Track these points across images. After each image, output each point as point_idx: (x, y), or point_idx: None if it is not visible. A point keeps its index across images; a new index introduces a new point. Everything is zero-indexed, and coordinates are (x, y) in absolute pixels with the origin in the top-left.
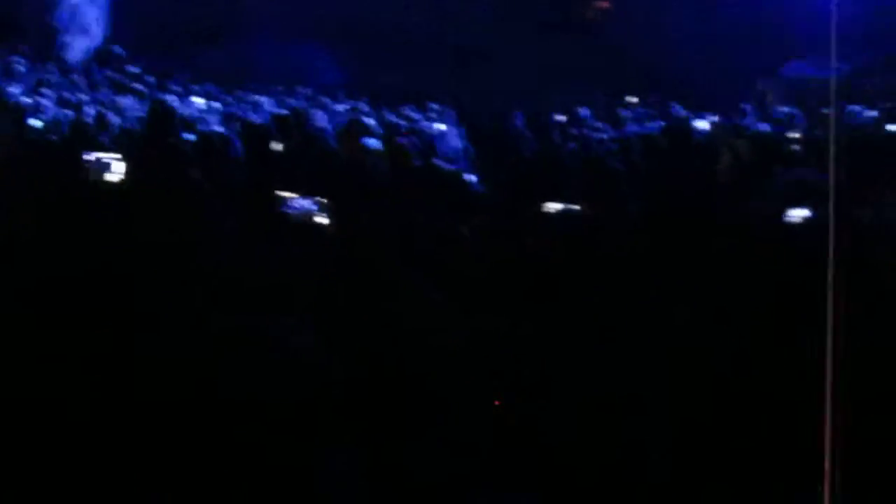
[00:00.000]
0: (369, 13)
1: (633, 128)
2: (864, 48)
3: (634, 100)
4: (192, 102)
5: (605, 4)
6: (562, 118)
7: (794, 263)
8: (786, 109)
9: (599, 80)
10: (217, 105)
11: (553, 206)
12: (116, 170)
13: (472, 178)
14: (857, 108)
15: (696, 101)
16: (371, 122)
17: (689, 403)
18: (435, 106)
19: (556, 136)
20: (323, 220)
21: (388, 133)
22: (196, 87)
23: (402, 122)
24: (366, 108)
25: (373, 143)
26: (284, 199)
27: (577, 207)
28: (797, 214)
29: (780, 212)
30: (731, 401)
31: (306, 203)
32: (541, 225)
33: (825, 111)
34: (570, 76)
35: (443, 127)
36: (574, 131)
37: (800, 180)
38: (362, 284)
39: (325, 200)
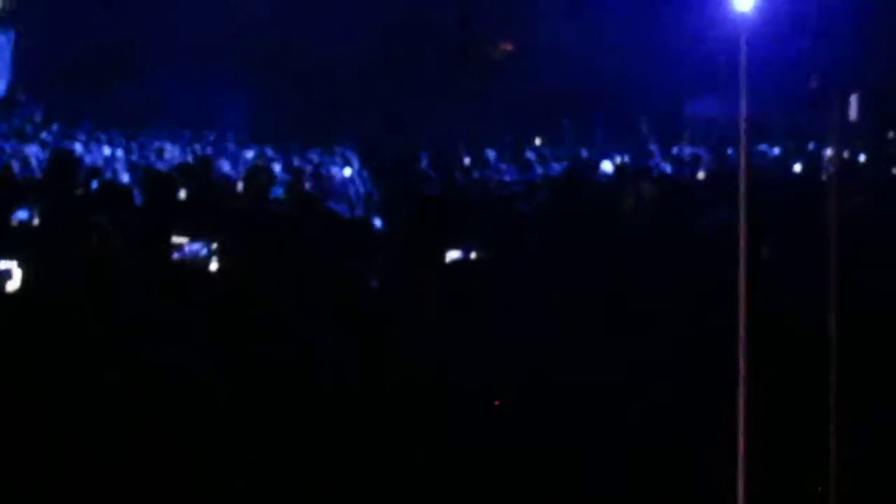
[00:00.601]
0: (279, 54)
1: (538, 170)
2: (772, 85)
3: (539, 141)
4: (97, 149)
5: (511, 47)
6: (467, 160)
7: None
8: (689, 150)
9: (507, 122)
10: (121, 153)
11: (453, 253)
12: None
13: (376, 221)
14: (762, 146)
15: (603, 142)
16: (276, 167)
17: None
18: (339, 149)
19: (460, 178)
20: (215, 264)
21: (293, 179)
22: (101, 134)
23: (307, 167)
24: (271, 153)
25: (277, 190)
26: (178, 244)
27: (474, 253)
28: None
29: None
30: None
31: (198, 247)
32: (442, 268)
33: (730, 151)
34: (478, 117)
35: (347, 172)
36: (478, 174)
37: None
38: (253, 327)
39: (217, 245)
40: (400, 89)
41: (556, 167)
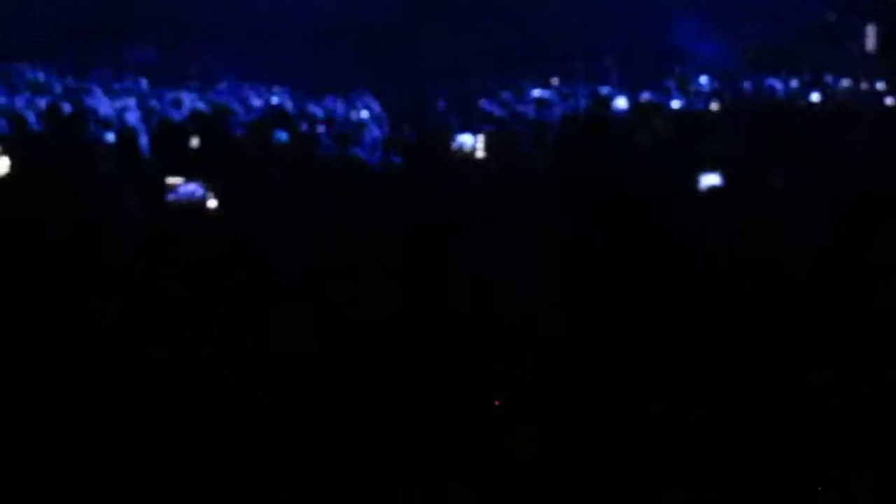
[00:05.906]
0: (286, 7)
1: (556, 108)
2: (784, 18)
3: (556, 81)
4: (112, 100)
5: None
6: (484, 102)
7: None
8: (704, 84)
9: (521, 63)
10: (136, 102)
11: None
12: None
13: (396, 159)
14: (775, 80)
15: (618, 79)
16: (290, 113)
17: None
18: (358, 95)
19: (478, 119)
20: (211, 203)
21: (305, 124)
22: (116, 85)
23: (320, 113)
24: (287, 101)
25: (282, 135)
26: (171, 185)
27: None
28: (708, 182)
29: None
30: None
31: (192, 188)
32: (447, 205)
33: (743, 85)
34: (491, 60)
35: (365, 114)
36: (496, 114)
37: (713, 151)
38: (248, 269)
39: (211, 185)
40: (412, 32)
41: (573, 104)
